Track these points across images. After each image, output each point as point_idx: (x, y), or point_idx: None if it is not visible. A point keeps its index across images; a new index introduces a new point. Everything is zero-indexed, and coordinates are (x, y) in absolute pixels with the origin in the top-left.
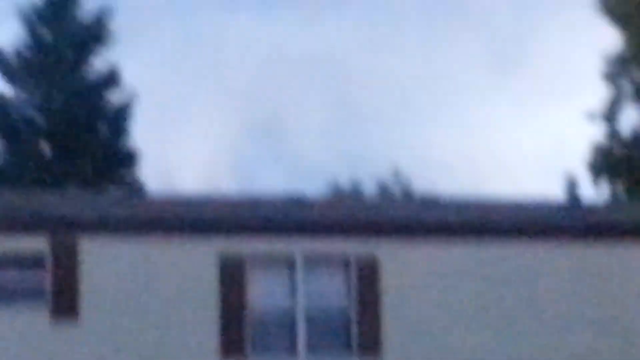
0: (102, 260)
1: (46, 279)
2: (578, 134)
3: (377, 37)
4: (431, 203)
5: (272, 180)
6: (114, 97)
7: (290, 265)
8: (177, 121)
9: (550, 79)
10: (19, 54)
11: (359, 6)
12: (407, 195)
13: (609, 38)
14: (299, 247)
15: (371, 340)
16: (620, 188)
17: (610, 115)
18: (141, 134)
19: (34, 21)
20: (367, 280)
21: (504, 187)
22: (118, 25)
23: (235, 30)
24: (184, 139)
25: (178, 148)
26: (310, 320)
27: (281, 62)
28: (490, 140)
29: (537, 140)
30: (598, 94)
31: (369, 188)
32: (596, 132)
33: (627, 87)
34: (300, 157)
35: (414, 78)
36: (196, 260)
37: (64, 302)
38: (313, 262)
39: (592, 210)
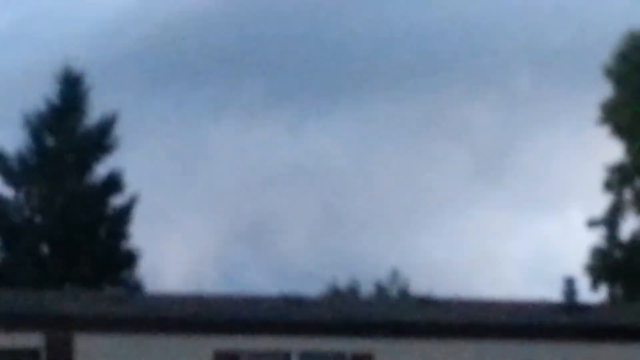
0: (97, 358)
1: None
2: (576, 240)
3: (363, 145)
4: (427, 303)
5: (260, 282)
6: (115, 200)
7: None
8: (168, 223)
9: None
10: (21, 157)
11: (344, 114)
12: (404, 295)
13: (610, 148)
14: (295, 345)
15: None
16: (619, 291)
17: (611, 221)
18: (137, 235)
19: (38, 127)
20: None
21: (501, 290)
22: (120, 131)
23: (223, 137)
24: (173, 240)
25: (168, 248)
26: None
27: (269, 168)
28: (487, 245)
29: (535, 246)
30: (595, 202)
31: (366, 289)
32: (595, 238)
33: (628, 195)
34: (290, 260)
35: (400, 185)
36: (193, 358)
37: None
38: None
39: (590, 311)
